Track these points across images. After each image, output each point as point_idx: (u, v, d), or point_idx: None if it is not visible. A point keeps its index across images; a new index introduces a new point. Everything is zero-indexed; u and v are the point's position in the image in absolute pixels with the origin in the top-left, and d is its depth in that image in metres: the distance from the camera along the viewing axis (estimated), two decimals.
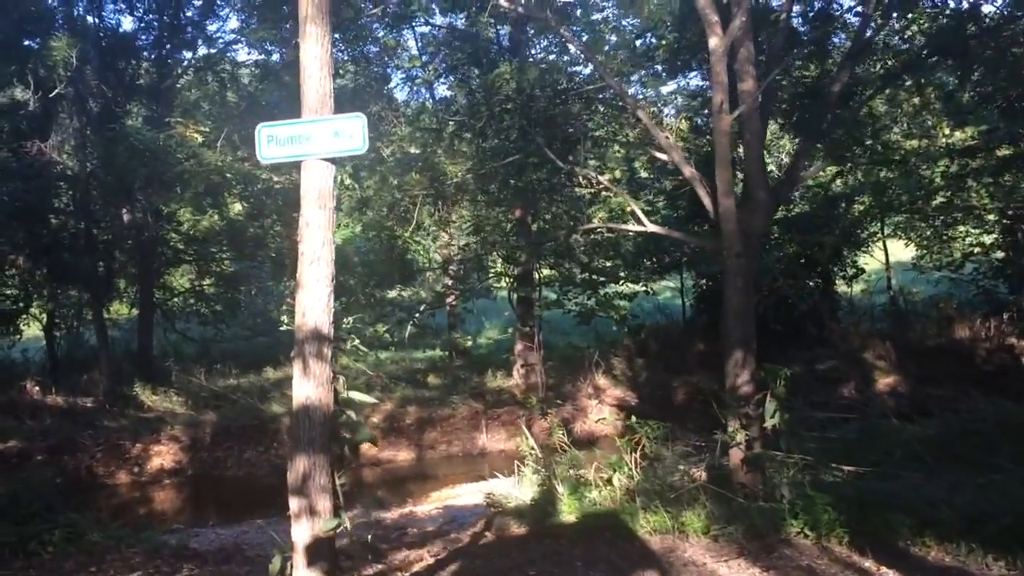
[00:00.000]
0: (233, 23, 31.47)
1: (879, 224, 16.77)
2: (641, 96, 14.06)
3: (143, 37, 16.77)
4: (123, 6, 16.60)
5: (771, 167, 15.69)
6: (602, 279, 14.51)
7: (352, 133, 4.17)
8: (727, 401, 7.13)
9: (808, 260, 14.89)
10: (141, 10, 16.69)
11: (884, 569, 5.20)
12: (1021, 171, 13.42)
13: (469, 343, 18.50)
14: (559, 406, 13.77)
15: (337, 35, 12.63)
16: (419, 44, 17.18)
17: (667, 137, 8.67)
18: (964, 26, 9.15)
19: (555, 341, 16.44)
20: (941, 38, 9.32)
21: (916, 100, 13.51)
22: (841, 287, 16.58)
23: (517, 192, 12.07)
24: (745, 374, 7.01)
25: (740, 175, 9.39)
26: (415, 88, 18.25)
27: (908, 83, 10.64)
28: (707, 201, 7.61)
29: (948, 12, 9.77)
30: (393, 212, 14.75)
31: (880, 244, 17.01)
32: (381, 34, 15.33)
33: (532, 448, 8.49)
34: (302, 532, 4.01)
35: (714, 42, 7.03)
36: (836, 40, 11.44)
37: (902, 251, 18.18)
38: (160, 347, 17.83)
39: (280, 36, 15.19)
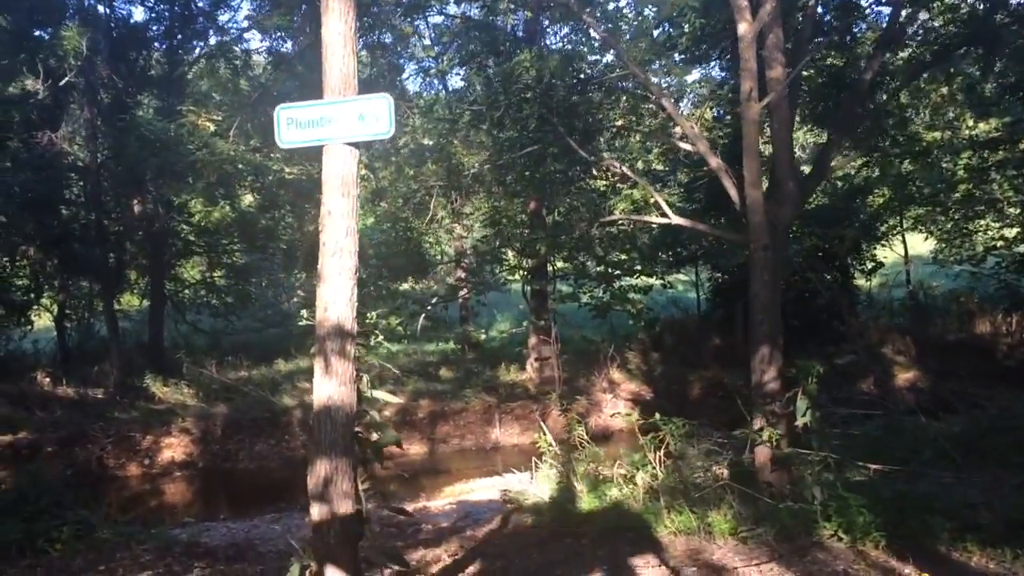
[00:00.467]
0: (245, 11, 31.36)
1: (898, 217, 16.51)
2: (665, 85, 13.77)
3: (154, 27, 16.67)
4: None
5: None
6: (617, 272, 14.30)
7: (378, 115, 3.90)
8: (753, 398, 6.94)
9: (826, 254, 14.62)
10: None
11: None
12: None
13: (482, 336, 18.32)
14: (575, 400, 13.58)
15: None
16: (432, 35, 17.03)
17: (692, 127, 8.44)
18: (994, 13, 8.96)
19: (568, 334, 16.22)
20: (971, 25, 9.13)
21: (943, 91, 13.26)
22: (859, 281, 16.31)
23: (534, 184, 11.87)
24: (772, 370, 6.81)
25: (765, 166, 9.16)
26: (428, 79, 18.13)
27: (935, 73, 10.43)
28: (733, 192, 7.39)
29: None
30: (409, 203, 14.57)
31: (899, 237, 16.74)
32: (397, 21, 15.12)
33: (550, 444, 8.31)
34: (322, 540, 3.81)
35: (743, 28, 6.80)
36: (858, 29, 11.24)
37: (920, 245, 17.91)
38: (171, 339, 17.80)
39: (293, 25, 15.00)
